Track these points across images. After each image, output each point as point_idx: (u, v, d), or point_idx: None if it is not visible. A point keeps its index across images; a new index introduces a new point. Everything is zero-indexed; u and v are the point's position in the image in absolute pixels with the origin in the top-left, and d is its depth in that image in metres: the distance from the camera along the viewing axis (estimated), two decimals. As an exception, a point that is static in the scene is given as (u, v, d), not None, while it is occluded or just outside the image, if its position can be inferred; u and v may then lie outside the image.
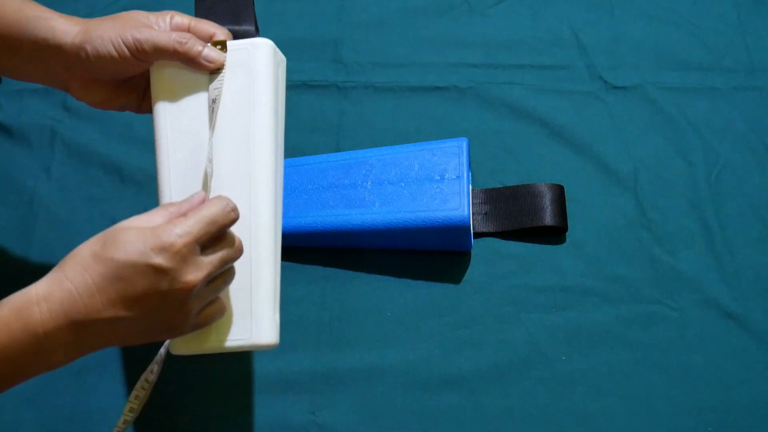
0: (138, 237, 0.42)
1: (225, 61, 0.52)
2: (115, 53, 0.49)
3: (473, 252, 0.65)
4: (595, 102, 0.73)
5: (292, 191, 0.65)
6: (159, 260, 0.42)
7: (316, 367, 0.61)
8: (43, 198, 0.68)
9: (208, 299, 0.46)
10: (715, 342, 0.61)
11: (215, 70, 0.52)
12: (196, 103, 0.52)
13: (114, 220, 0.66)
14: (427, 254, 0.65)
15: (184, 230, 0.43)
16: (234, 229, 0.47)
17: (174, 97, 0.52)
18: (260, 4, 0.79)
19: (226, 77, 0.52)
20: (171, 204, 0.46)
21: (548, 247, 0.66)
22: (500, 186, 0.68)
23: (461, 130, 0.71)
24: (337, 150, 0.70)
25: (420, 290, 0.64)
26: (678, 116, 0.72)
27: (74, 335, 0.42)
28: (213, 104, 0.51)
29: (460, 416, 0.59)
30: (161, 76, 0.52)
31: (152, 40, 0.49)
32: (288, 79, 0.74)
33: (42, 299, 0.42)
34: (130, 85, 0.54)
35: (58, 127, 0.72)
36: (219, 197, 0.46)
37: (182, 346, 0.50)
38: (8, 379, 0.43)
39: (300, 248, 0.65)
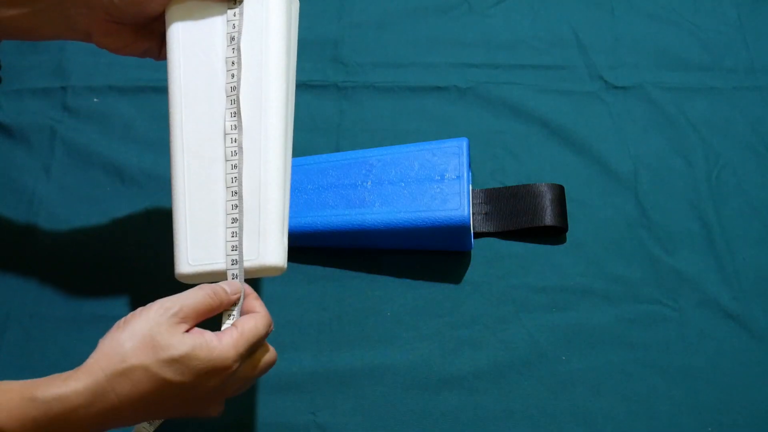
0: (202, 362, 0.43)
1: None
2: None
3: (473, 252, 0.65)
4: (595, 102, 0.73)
5: (291, 191, 0.65)
6: (217, 381, 0.44)
7: (316, 367, 0.61)
8: (43, 198, 0.68)
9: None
10: (715, 342, 0.61)
11: (233, 2, 0.53)
12: (210, 34, 0.53)
13: (114, 220, 0.67)
14: (427, 254, 0.65)
15: (240, 353, 0.45)
16: (245, 152, 0.50)
17: (188, 29, 0.53)
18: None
19: (242, 7, 0.52)
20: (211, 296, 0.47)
21: (548, 247, 0.66)
22: (500, 186, 0.68)
23: (461, 130, 0.71)
24: (337, 150, 0.70)
25: (420, 290, 0.64)
26: (678, 116, 0.72)
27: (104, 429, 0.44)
28: (233, 42, 0.52)
29: (460, 416, 0.59)
30: (176, 9, 0.53)
31: None
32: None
33: (82, 408, 0.41)
34: (150, 30, 0.55)
35: (58, 127, 0.72)
36: (263, 315, 0.48)
37: (187, 269, 0.51)
38: None
39: (300, 248, 0.65)
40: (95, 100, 0.73)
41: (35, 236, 0.66)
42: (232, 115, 0.51)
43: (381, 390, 0.60)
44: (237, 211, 0.50)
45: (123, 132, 0.71)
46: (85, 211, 0.68)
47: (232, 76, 0.52)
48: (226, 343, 0.44)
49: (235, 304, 0.48)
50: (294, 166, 0.67)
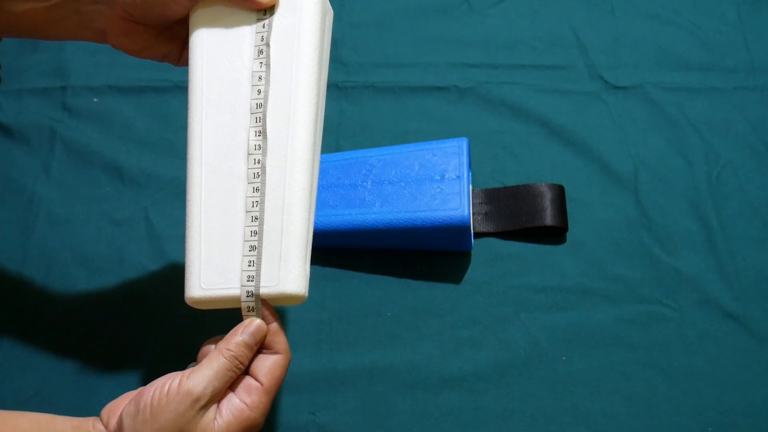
0: None
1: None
2: None
3: (473, 252, 0.65)
4: (595, 102, 0.73)
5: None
6: None
7: (316, 367, 0.61)
8: (42, 198, 0.68)
9: None
10: (715, 342, 0.61)
11: (263, 11, 0.50)
12: (237, 42, 0.50)
13: (114, 220, 0.67)
14: (427, 254, 0.65)
15: (268, 409, 0.46)
16: (270, 170, 0.47)
17: (213, 35, 0.50)
18: (260, 4, 0.79)
19: (272, 17, 0.50)
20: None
21: (548, 247, 0.66)
22: (500, 186, 0.68)
23: (461, 130, 0.71)
24: (337, 150, 0.70)
25: (420, 290, 0.64)
26: (678, 116, 0.72)
27: None
28: (261, 56, 0.49)
29: (460, 416, 0.59)
30: (202, 14, 0.50)
31: None
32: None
33: None
34: (171, 33, 0.53)
35: (57, 127, 0.72)
36: (285, 357, 0.48)
37: (199, 293, 0.47)
38: None
39: (300, 248, 0.65)
40: (95, 100, 0.73)
41: (35, 236, 0.66)
42: (257, 134, 0.48)
43: (381, 390, 0.60)
44: (256, 238, 0.47)
45: (123, 132, 0.71)
46: (85, 211, 0.68)
47: (259, 92, 0.49)
48: (257, 410, 0.45)
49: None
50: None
